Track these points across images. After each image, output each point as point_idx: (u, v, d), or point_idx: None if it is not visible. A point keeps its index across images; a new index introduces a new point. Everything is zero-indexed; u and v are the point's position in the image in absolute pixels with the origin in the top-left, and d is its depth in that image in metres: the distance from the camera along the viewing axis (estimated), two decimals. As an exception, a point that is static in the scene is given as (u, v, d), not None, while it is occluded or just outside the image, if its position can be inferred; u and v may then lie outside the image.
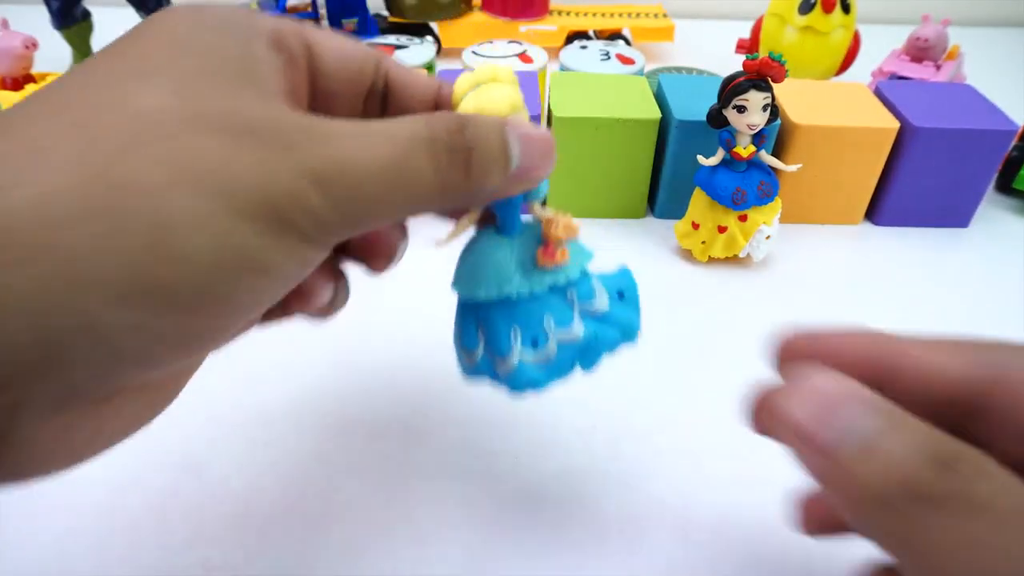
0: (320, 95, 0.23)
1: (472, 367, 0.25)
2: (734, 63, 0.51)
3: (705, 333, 0.40)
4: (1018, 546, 0.14)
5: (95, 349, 0.15)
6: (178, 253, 0.15)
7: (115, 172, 0.15)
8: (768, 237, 0.43)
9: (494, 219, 0.24)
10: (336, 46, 0.23)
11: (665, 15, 0.76)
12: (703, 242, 0.44)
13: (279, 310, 0.23)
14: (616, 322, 0.25)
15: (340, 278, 0.24)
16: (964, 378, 0.19)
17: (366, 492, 0.30)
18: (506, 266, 0.24)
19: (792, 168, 0.42)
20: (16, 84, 0.50)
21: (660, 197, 0.48)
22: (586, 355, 0.25)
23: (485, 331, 0.24)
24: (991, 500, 0.14)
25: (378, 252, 0.25)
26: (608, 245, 0.46)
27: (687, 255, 0.45)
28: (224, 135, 0.16)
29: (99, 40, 0.64)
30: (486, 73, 0.23)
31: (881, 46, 0.67)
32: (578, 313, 0.24)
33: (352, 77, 0.23)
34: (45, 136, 0.16)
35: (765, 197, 0.42)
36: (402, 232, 0.25)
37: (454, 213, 0.25)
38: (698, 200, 0.43)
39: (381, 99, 0.25)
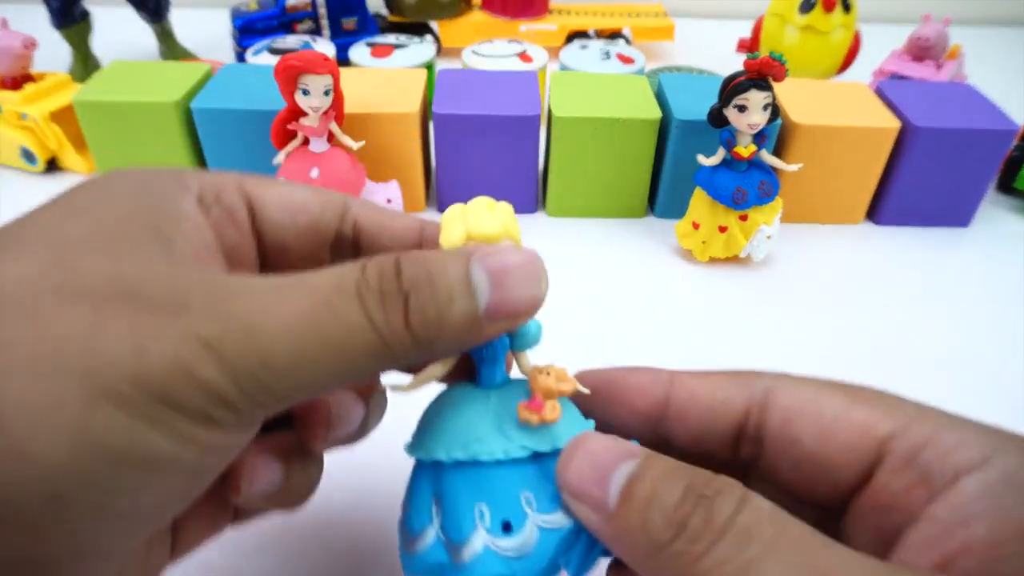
0: (271, 252, 0.21)
1: (416, 557, 0.19)
2: (735, 62, 0.50)
3: (705, 333, 0.40)
4: (779, 565, 0.14)
5: None
6: (18, 451, 0.13)
7: None
8: (769, 237, 0.43)
9: (473, 367, 0.20)
10: (283, 197, 0.21)
11: (665, 14, 0.76)
12: (703, 242, 0.43)
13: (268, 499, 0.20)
14: None
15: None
16: (741, 405, 0.20)
17: (364, 490, 0.30)
18: (478, 422, 0.19)
19: (793, 168, 0.42)
20: (15, 83, 0.50)
21: (660, 197, 0.48)
22: (575, 552, 0.19)
23: (443, 505, 0.19)
24: (751, 526, 0.15)
25: (311, 422, 0.20)
26: (608, 245, 0.46)
27: (687, 255, 0.45)
28: (90, 303, 0.14)
29: (99, 40, 0.64)
30: (479, 202, 0.20)
31: (882, 46, 0.67)
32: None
33: (307, 229, 0.21)
34: None
35: (766, 197, 0.42)
36: (357, 398, 0.21)
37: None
38: (698, 200, 0.43)
39: (352, 248, 0.22)
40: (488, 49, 0.59)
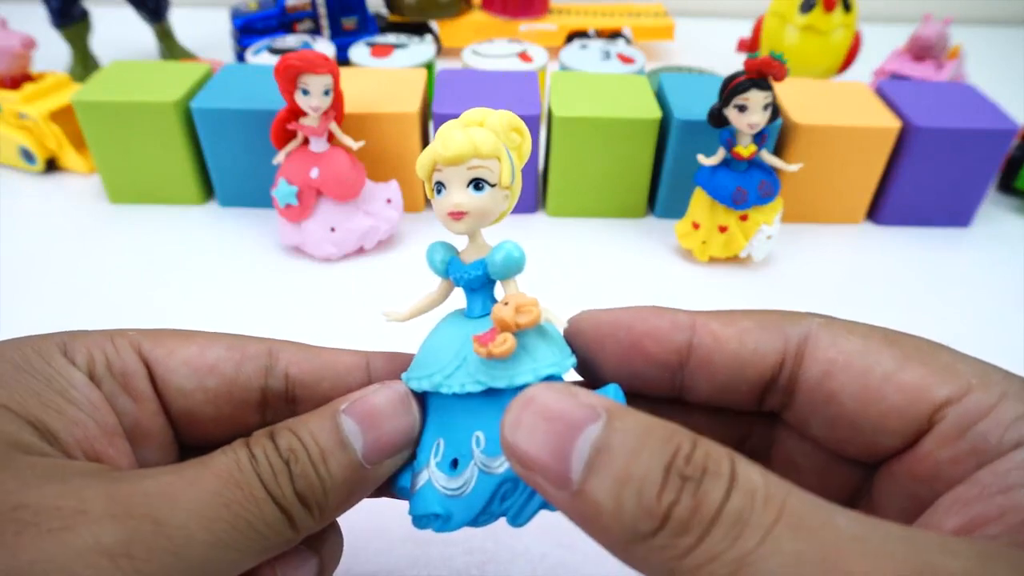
0: (182, 418, 0.20)
1: (396, 477, 0.20)
2: (735, 62, 0.50)
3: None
4: (776, 555, 0.12)
5: None
6: None
7: None
8: (769, 237, 0.43)
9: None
10: (189, 358, 0.19)
11: (665, 14, 0.76)
12: (703, 242, 0.43)
13: None
14: None
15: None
16: (774, 356, 0.18)
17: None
18: (446, 352, 0.19)
19: (793, 167, 0.42)
20: (14, 83, 0.50)
21: (660, 197, 0.48)
22: (516, 500, 0.18)
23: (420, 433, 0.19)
24: (745, 511, 0.13)
25: None
26: (608, 245, 0.46)
27: (687, 255, 0.45)
28: None
29: (98, 40, 0.64)
30: (474, 115, 0.19)
31: (882, 45, 0.67)
32: None
33: (222, 391, 0.20)
34: None
35: (766, 196, 0.41)
36: (306, 552, 0.19)
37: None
38: (699, 200, 0.43)
39: (288, 404, 0.20)
40: (488, 49, 0.59)
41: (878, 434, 0.17)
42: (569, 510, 0.15)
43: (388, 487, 0.20)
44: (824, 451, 0.19)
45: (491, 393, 0.18)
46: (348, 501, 0.18)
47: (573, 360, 0.19)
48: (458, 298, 0.21)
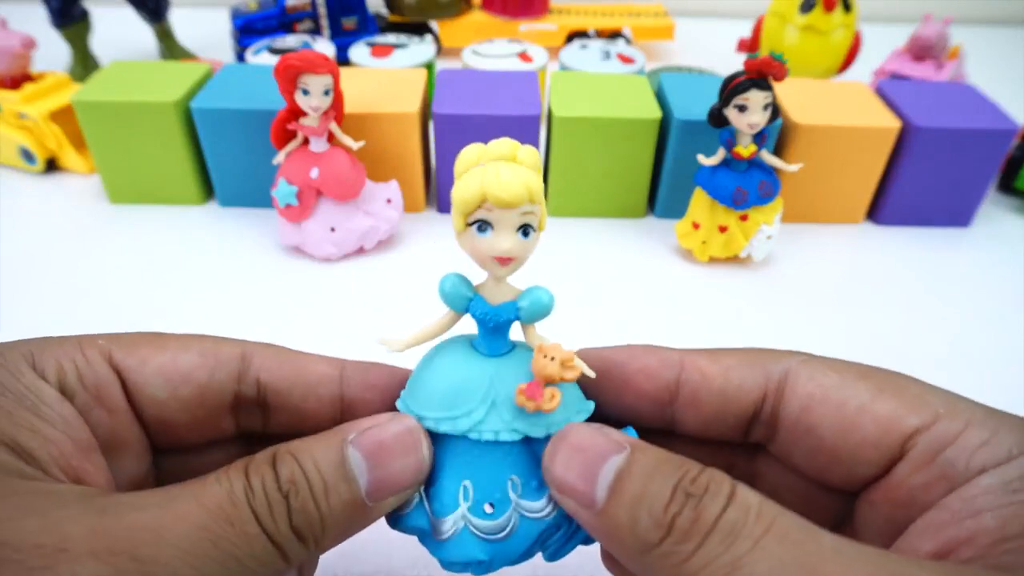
0: (156, 425, 0.20)
1: (400, 514, 0.19)
2: (735, 62, 0.50)
3: (705, 333, 0.40)
4: (766, 562, 0.14)
5: None
6: None
7: None
8: (769, 237, 0.43)
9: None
10: (162, 367, 0.19)
11: (665, 14, 0.76)
12: (703, 242, 0.43)
13: None
14: None
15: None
16: (757, 391, 0.19)
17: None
18: (472, 393, 0.18)
19: (793, 167, 0.42)
20: (14, 83, 0.50)
21: (660, 197, 0.48)
22: (553, 540, 0.19)
23: (431, 471, 0.19)
24: (738, 523, 0.15)
25: None
26: (608, 245, 0.46)
27: (687, 255, 0.45)
28: None
29: (98, 40, 0.64)
30: (504, 148, 0.18)
31: (882, 45, 0.67)
32: None
33: (195, 398, 0.19)
34: None
35: (766, 196, 0.41)
36: None
37: None
38: (699, 200, 0.43)
39: (260, 409, 0.20)
40: (488, 49, 0.59)
41: (855, 463, 0.18)
42: (595, 528, 0.17)
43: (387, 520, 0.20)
44: (807, 480, 0.20)
45: (525, 440, 0.19)
46: (345, 535, 0.18)
47: (592, 404, 0.20)
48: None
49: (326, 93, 0.39)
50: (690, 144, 0.44)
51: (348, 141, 0.42)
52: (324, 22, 0.65)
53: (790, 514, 0.15)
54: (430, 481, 0.19)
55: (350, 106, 0.43)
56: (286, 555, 0.16)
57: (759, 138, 0.40)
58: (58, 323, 0.39)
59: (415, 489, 0.18)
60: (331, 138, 0.41)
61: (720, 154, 0.41)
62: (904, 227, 0.49)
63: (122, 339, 0.20)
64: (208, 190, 0.49)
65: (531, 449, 0.19)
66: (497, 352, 0.19)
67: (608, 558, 0.20)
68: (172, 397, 0.19)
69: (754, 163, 0.41)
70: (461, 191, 0.18)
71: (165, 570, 0.14)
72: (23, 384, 0.17)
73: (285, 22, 0.64)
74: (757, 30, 0.64)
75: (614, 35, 0.72)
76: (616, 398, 0.21)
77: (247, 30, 0.63)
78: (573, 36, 0.72)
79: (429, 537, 0.19)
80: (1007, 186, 0.52)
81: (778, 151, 0.47)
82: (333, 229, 0.42)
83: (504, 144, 0.18)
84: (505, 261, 0.18)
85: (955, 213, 0.49)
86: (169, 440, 0.20)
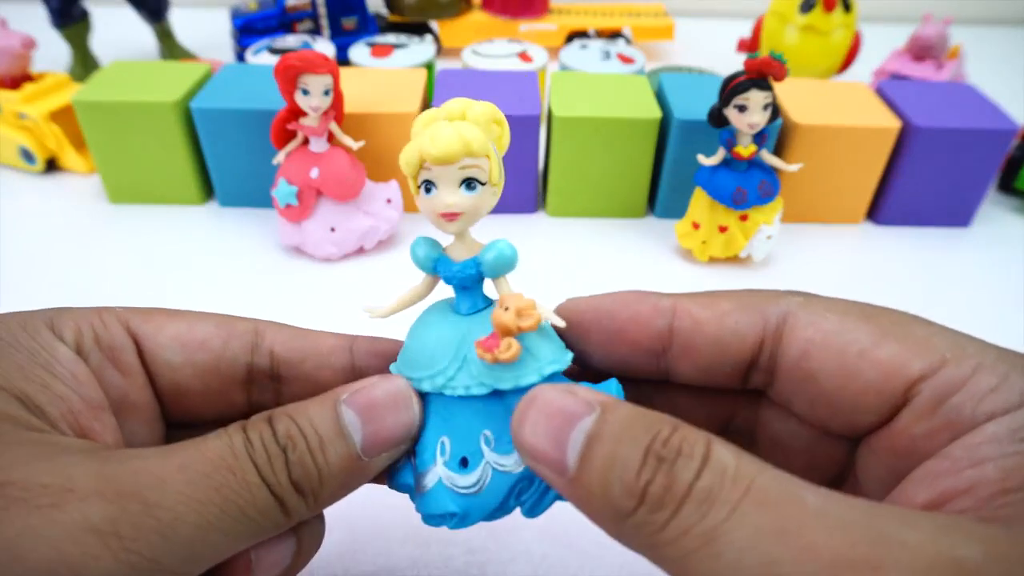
0: (168, 395, 0.20)
1: (395, 472, 0.20)
2: (735, 62, 0.50)
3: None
4: (744, 528, 0.13)
5: None
6: None
7: None
8: (769, 237, 0.43)
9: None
10: (178, 333, 0.20)
11: (665, 14, 0.76)
12: (703, 242, 0.43)
13: None
14: None
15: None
16: (754, 337, 0.19)
17: (364, 489, 0.30)
18: (445, 350, 0.19)
19: (793, 168, 0.42)
20: (14, 83, 0.50)
21: (660, 197, 0.48)
22: (529, 494, 0.19)
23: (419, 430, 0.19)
24: (715, 489, 0.14)
25: (230, 571, 0.18)
26: (608, 245, 0.46)
27: (687, 255, 0.45)
28: None
29: (98, 40, 0.64)
30: (454, 107, 0.18)
31: (882, 45, 0.67)
32: None
33: (210, 367, 0.20)
34: None
35: (766, 196, 0.41)
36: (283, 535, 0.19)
37: None
38: (698, 200, 0.43)
39: (272, 382, 0.21)
40: (488, 49, 0.59)
41: (856, 411, 0.17)
42: (568, 495, 0.16)
43: (381, 477, 0.20)
44: (809, 427, 0.19)
45: (496, 392, 0.18)
46: (342, 491, 0.18)
47: (570, 355, 0.19)
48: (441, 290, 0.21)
49: (326, 93, 0.39)
50: (690, 144, 0.44)
51: (348, 141, 0.42)
52: (324, 22, 0.65)
53: (770, 472, 0.14)
54: (416, 439, 0.19)
55: (350, 106, 0.43)
56: (286, 508, 0.16)
57: (759, 138, 0.40)
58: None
59: (407, 445, 0.19)
60: (331, 138, 0.41)
61: (720, 154, 0.41)
62: (904, 227, 0.49)
63: (139, 309, 0.20)
64: (208, 190, 0.49)
65: (505, 404, 0.19)
66: (472, 310, 0.19)
67: None
68: (187, 363, 0.20)
69: (754, 163, 0.41)
70: (403, 154, 0.18)
71: (170, 514, 0.15)
72: (39, 342, 0.17)
73: (285, 22, 0.64)
74: (757, 30, 0.64)
75: (614, 35, 0.72)
76: (606, 349, 0.20)
77: (247, 30, 0.63)
78: (573, 36, 0.72)
79: (413, 494, 0.19)
80: (1007, 186, 0.52)
81: (778, 151, 0.47)
82: (333, 229, 0.42)
83: (455, 103, 0.18)
84: (451, 216, 0.18)
85: (955, 213, 0.49)
86: (181, 410, 0.20)
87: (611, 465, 0.15)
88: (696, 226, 0.43)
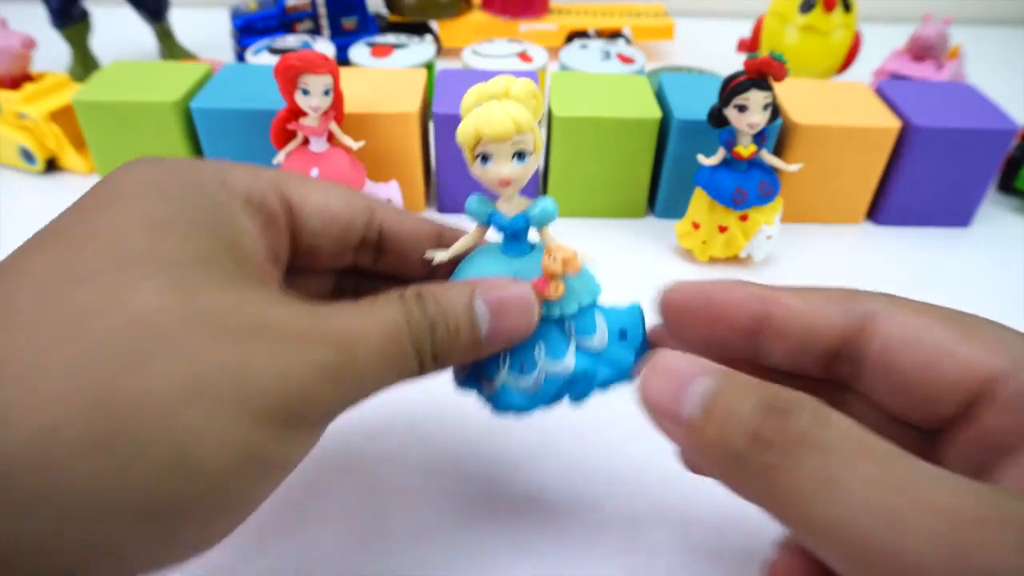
0: (302, 252, 0.23)
1: (463, 379, 0.25)
2: (735, 62, 0.50)
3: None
4: (863, 479, 0.14)
5: (109, 567, 0.15)
6: (198, 469, 0.15)
7: (120, 392, 0.14)
8: (769, 237, 0.43)
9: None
10: (321, 205, 0.23)
11: (665, 14, 0.76)
12: (703, 242, 0.43)
13: None
14: (611, 361, 0.24)
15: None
16: (840, 327, 0.20)
17: (364, 491, 0.30)
18: None
19: (793, 168, 0.42)
20: (14, 83, 0.50)
21: (660, 197, 0.48)
22: (575, 389, 0.24)
23: None
24: (832, 441, 0.15)
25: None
26: (608, 245, 0.46)
27: (687, 255, 0.45)
28: (231, 338, 0.16)
29: (98, 40, 0.64)
30: (498, 86, 0.21)
31: (882, 45, 0.67)
32: (573, 347, 0.23)
33: (339, 235, 0.23)
34: (35, 345, 0.14)
35: (766, 197, 0.41)
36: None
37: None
38: (698, 200, 0.43)
39: (374, 250, 0.25)
40: (488, 49, 0.59)
41: (935, 401, 0.19)
42: (683, 441, 0.18)
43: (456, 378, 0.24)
44: (888, 420, 0.20)
45: (545, 318, 0.23)
46: (460, 362, 0.21)
47: (600, 288, 0.24)
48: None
49: (326, 93, 0.39)
50: (690, 144, 0.44)
51: (348, 141, 0.42)
52: (324, 22, 0.65)
53: (886, 441, 0.15)
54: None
55: (350, 106, 0.43)
56: (423, 370, 0.20)
57: (759, 138, 0.40)
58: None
59: (521, 340, 0.22)
60: (331, 138, 0.42)
61: (720, 154, 0.41)
62: (904, 227, 0.49)
63: (287, 176, 0.23)
64: (208, 190, 0.49)
65: (553, 325, 0.23)
66: (520, 253, 0.23)
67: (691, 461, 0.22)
68: (325, 231, 0.23)
69: (754, 163, 0.41)
70: (461, 133, 0.21)
71: (363, 365, 0.18)
72: (221, 199, 0.19)
73: (285, 22, 0.64)
74: (757, 30, 0.64)
75: (614, 35, 0.72)
76: (703, 329, 0.22)
77: (247, 30, 0.63)
78: (573, 36, 0.72)
79: (482, 392, 0.24)
80: (1007, 186, 0.52)
81: (778, 151, 0.47)
82: (333, 229, 0.42)
83: (498, 82, 0.21)
84: (506, 183, 0.22)
85: (955, 213, 0.49)
86: (304, 264, 0.23)
87: (727, 414, 0.16)
88: (696, 226, 0.43)
